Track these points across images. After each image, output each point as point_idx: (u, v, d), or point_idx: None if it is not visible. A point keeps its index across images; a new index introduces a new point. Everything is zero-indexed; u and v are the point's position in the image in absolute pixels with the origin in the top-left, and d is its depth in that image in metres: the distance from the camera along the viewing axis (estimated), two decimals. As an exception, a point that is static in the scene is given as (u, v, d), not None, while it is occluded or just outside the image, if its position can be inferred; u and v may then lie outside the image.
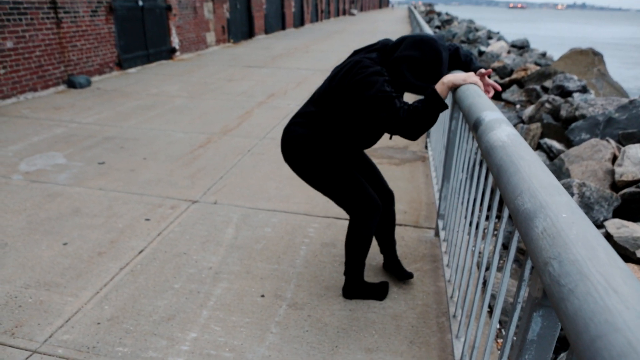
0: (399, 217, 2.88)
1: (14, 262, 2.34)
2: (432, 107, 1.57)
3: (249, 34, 14.70)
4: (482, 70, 1.86)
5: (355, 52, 1.89)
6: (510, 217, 2.22)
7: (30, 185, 3.28)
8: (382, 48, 1.83)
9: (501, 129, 1.13)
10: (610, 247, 0.60)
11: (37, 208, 2.94)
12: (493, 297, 2.61)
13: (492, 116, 1.25)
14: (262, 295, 2.11)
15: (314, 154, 1.87)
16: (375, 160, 3.89)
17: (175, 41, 9.86)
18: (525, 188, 0.80)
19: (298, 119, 1.92)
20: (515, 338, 0.98)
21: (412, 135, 1.63)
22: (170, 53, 9.74)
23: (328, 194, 1.94)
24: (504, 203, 0.99)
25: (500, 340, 2.48)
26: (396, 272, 2.23)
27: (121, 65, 8.01)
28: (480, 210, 1.53)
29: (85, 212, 2.90)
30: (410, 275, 2.22)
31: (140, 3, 8.47)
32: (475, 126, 1.30)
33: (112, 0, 7.60)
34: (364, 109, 1.70)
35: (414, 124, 1.58)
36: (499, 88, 1.86)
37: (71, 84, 6.65)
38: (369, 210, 1.90)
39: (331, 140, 1.87)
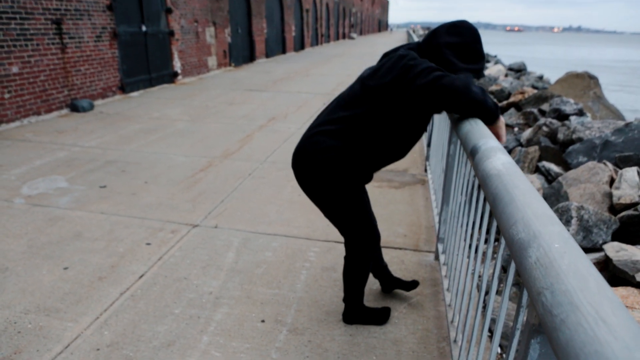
0: (398, 241, 2.89)
1: (14, 287, 2.35)
2: (486, 102, 1.52)
3: (250, 57, 14.93)
4: None
5: (386, 55, 1.78)
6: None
7: (32, 209, 3.30)
8: (415, 47, 1.76)
9: (497, 158, 1.16)
10: (601, 277, 0.62)
11: (39, 232, 2.95)
12: (493, 321, 2.60)
13: (489, 144, 1.29)
14: (263, 321, 2.11)
15: (340, 171, 1.72)
16: (374, 184, 3.92)
17: (177, 65, 10.02)
18: (520, 217, 0.83)
19: (326, 126, 1.73)
20: (514, 365, 0.99)
21: (463, 96, 1.47)
22: (172, 77, 9.89)
23: (337, 218, 1.83)
24: (500, 230, 1.01)
25: (502, 366, 2.46)
26: (400, 286, 2.24)
27: (124, 89, 8.13)
28: (480, 233, 1.54)
29: (87, 236, 2.91)
30: (415, 283, 2.22)
31: (144, 28, 8.64)
32: (472, 154, 1.33)
33: (116, 26, 7.77)
34: (416, 80, 1.53)
35: (468, 87, 1.48)
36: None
37: (74, 108, 6.74)
38: (372, 241, 1.88)
39: (364, 151, 1.73)
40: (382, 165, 1.84)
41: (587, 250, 3.10)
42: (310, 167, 1.74)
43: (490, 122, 1.56)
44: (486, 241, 3.90)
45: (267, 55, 16.60)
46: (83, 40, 7.02)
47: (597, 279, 0.61)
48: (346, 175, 1.74)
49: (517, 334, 1.06)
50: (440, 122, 3.31)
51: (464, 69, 1.68)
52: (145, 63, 8.83)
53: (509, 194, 0.93)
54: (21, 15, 5.85)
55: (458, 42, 1.68)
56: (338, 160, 1.71)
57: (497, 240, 4.01)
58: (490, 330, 2.70)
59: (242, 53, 14.11)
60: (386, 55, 1.78)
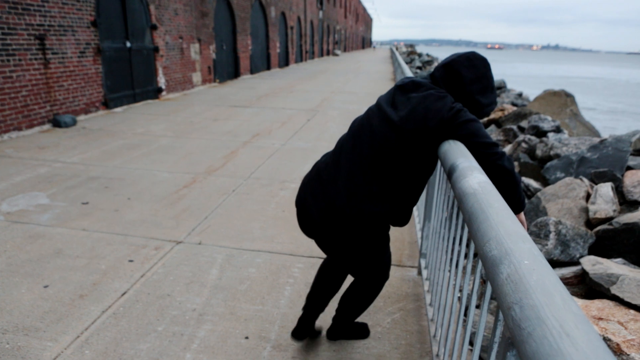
0: (382, 256, 2.92)
1: (-8, 306, 2.30)
2: (519, 187, 1.54)
3: (235, 74, 15.00)
4: None
5: (401, 88, 1.71)
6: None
7: (11, 226, 3.25)
8: (429, 77, 1.74)
9: (473, 177, 1.21)
10: (567, 292, 0.66)
11: (18, 249, 2.91)
12: (474, 334, 2.63)
13: (466, 163, 1.33)
14: (246, 337, 2.11)
15: (386, 229, 1.71)
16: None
17: (161, 81, 10.01)
18: (493, 235, 0.87)
19: (369, 187, 1.63)
20: (491, 378, 1.02)
21: (510, 172, 1.52)
22: (156, 93, 9.87)
23: (365, 264, 1.77)
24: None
25: (484, 380, 2.49)
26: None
27: (107, 104, 8.08)
28: (460, 246, 1.59)
29: (68, 253, 2.88)
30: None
31: (128, 44, 8.64)
32: (449, 173, 1.38)
33: (100, 42, 7.75)
34: (465, 128, 1.55)
35: (510, 163, 1.53)
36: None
37: (56, 123, 6.67)
38: (386, 277, 1.88)
39: (408, 202, 1.69)
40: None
41: (564, 263, 3.17)
42: (354, 233, 1.67)
43: (519, 209, 1.58)
44: (466, 256, 3.96)
45: (252, 72, 16.69)
46: (66, 56, 6.98)
47: (563, 294, 0.65)
48: (387, 229, 1.73)
49: (495, 347, 1.09)
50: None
51: (487, 104, 1.71)
52: (130, 79, 8.81)
53: (484, 213, 0.97)
54: (3, 30, 5.81)
55: (477, 76, 1.68)
56: (387, 222, 1.68)
57: (476, 255, 4.07)
58: (471, 343, 2.73)
59: (226, 69, 14.18)
60: (401, 89, 1.71)
